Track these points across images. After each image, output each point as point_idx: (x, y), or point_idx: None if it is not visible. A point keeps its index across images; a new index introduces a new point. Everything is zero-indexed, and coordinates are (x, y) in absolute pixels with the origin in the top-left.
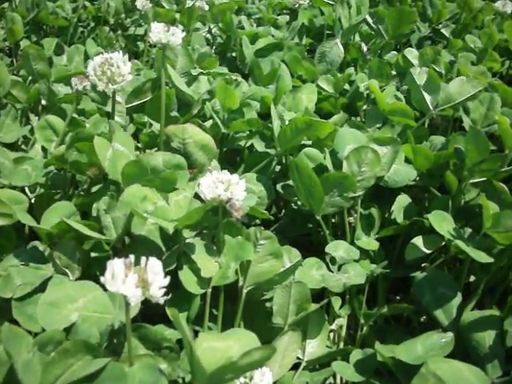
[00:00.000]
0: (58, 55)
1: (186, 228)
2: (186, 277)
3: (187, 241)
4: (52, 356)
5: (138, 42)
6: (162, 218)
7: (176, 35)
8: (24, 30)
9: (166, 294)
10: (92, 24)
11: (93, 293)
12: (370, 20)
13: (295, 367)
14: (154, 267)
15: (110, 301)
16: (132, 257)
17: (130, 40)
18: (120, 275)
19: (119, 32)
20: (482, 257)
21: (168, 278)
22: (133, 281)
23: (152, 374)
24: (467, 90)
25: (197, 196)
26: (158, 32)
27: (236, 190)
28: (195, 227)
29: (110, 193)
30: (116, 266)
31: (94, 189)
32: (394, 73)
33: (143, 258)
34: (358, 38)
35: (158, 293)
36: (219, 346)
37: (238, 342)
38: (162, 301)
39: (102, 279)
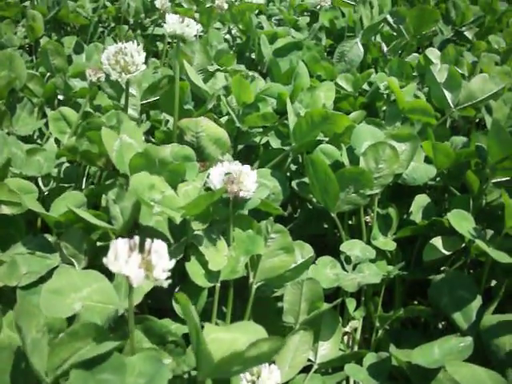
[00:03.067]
0: (78, 53)
1: (195, 220)
2: (194, 269)
3: (196, 233)
4: (61, 337)
5: (157, 42)
6: (170, 207)
7: (191, 27)
8: (44, 29)
9: (169, 277)
10: (112, 24)
11: (98, 283)
12: (390, 19)
13: (307, 370)
14: (159, 250)
15: (115, 291)
16: (137, 238)
17: (148, 40)
18: (123, 255)
19: (138, 32)
20: (503, 257)
21: (173, 261)
22: (136, 261)
23: (153, 365)
24: (489, 88)
25: (207, 188)
26: (172, 23)
27: (247, 180)
28: (205, 219)
29: (119, 182)
30: (119, 246)
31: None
32: (415, 74)
33: (148, 241)
34: (379, 39)
35: (161, 275)
36: (226, 338)
37: (246, 334)
38: (165, 284)
39: (104, 260)
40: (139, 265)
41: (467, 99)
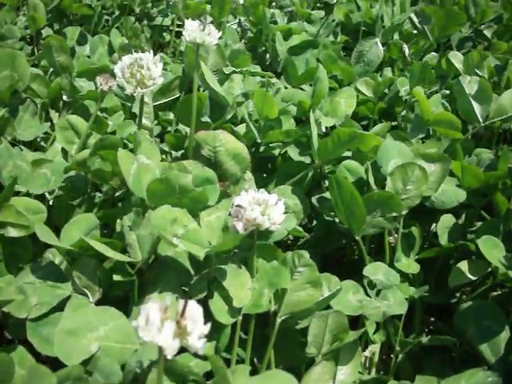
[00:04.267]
0: (81, 45)
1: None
2: (217, 306)
3: (218, 265)
4: None
5: (164, 33)
6: (193, 242)
7: (212, 35)
8: (46, 18)
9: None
10: (117, 12)
11: (115, 321)
12: (415, 19)
13: None
14: (194, 313)
15: (133, 330)
16: (168, 299)
17: (155, 31)
18: (155, 322)
19: (145, 22)
20: None
21: (208, 325)
22: (170, 330)
23: None
24: None
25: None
26: (192, 30)
27: (274, 212)
28: (227, 252)
29: (135, 209)
30: (151, 312)
31: (117, 194)
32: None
33: (181, 302)
34: (396, 37)
35: (197, 343)
36: None
37: None
38: (201, 351)
39: (133, 323)
40: (173, 334)
41: (497, 114)
